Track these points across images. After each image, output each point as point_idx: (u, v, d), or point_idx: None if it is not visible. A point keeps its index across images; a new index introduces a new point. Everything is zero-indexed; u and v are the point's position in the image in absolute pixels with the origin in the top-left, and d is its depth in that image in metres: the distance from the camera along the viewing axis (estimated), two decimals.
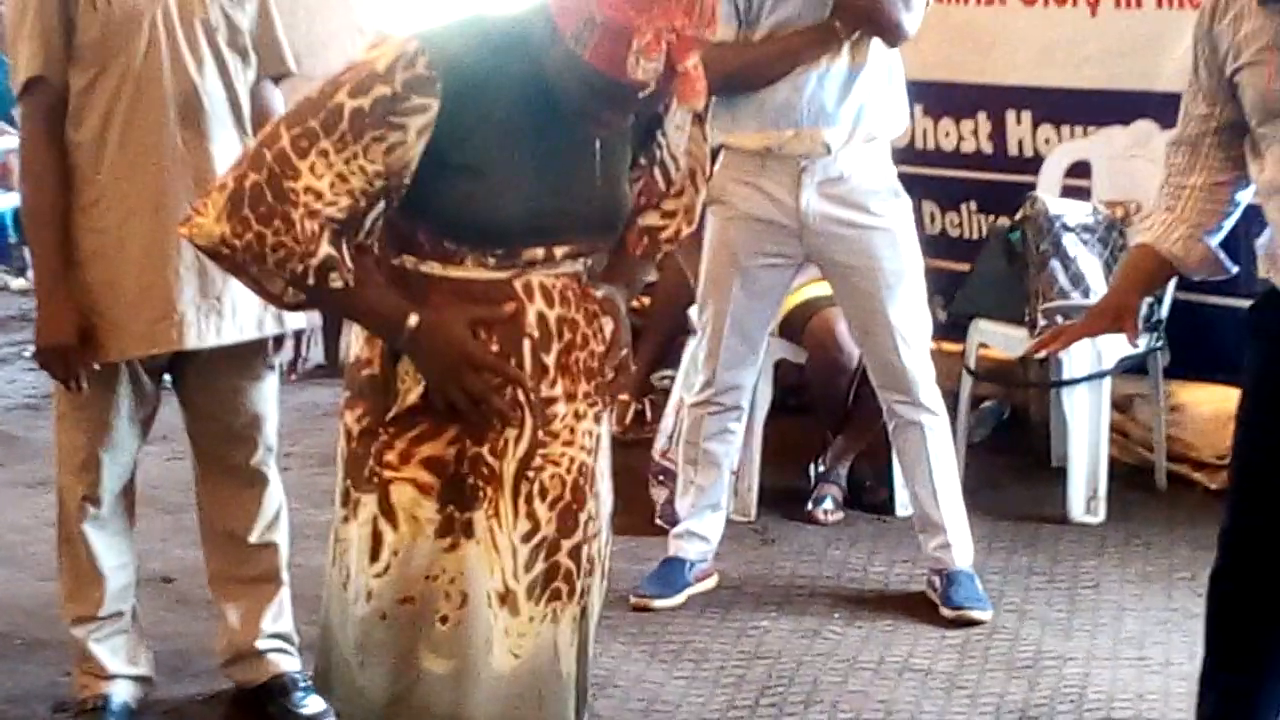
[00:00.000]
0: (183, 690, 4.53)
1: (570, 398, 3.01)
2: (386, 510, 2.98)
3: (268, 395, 4.32)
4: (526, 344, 2.95)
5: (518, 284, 2.94)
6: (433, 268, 2.95)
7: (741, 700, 4.47)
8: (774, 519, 5.72)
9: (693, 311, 5.29)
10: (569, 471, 3.02)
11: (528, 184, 2.89)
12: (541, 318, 2.96)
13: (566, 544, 3.03)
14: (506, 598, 3.00)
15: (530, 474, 2.99)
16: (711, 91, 4.61)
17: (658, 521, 5.48)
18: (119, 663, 4.31)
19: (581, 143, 2.89)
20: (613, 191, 3.01)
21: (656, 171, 3.13)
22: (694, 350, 5.38)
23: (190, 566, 4.73)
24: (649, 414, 6.25)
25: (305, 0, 8.40)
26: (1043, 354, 3.78)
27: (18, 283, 8.93)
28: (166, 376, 4.24)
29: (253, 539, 4.34)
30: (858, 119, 4.77)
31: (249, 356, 4.22)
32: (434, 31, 2.88)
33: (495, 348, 2.93)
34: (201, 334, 4.08)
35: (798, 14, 4.71)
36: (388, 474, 2.98)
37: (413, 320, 2.90)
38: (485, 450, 2.97)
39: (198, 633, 4.66)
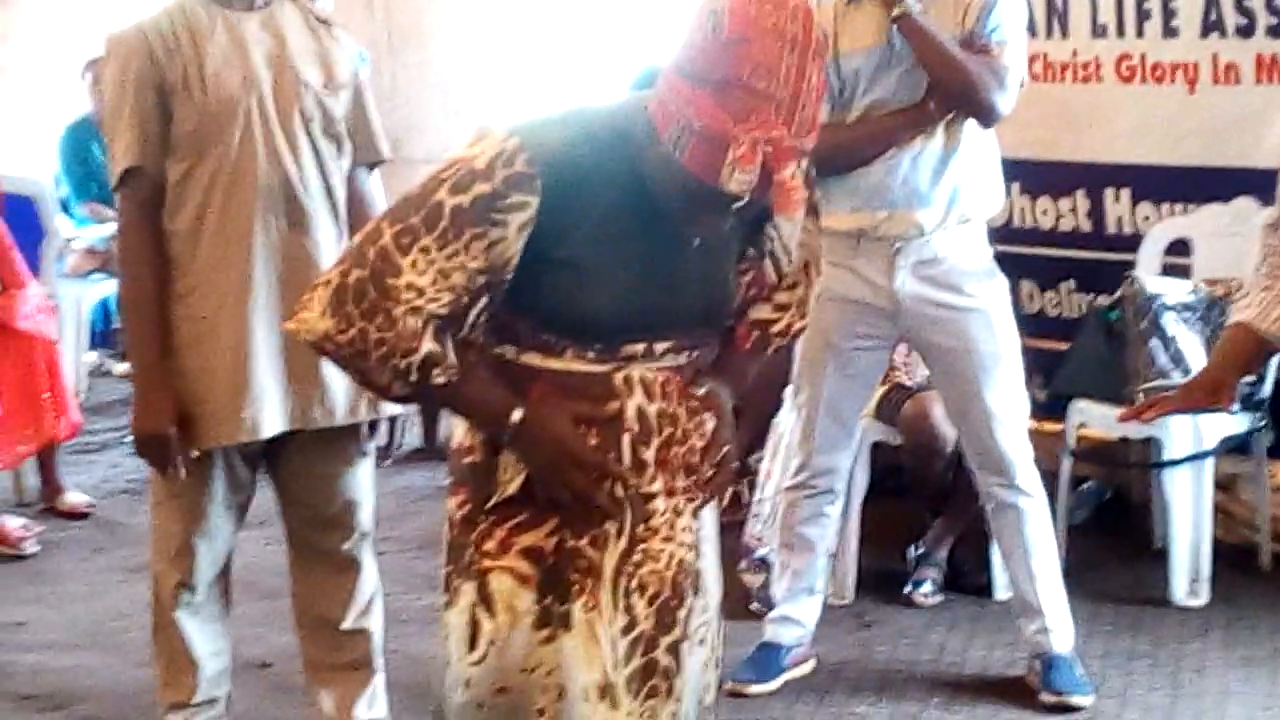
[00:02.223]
0: None
1: (670, 493, 2.99)
2: (485, 598, 2.98)
3: (362, 481, 4.33)
4: (626, 438, 2.94)
5: (618, 377, 2.93)
6: (533, 359, 2.95)
7: None
8: (872, 602, 5.70)
9: (789, 393, 5.29)
10: (668, 567, 3.00)
11: (627, 280, 2.89)
12: (641, 412, 2.94)
13: (665, 640, 3.01)
14: (606, 691, 2.97)
15: (630, 568, 2.97)
16: None
17: (753, 606, 5.47)
18: None
19: (682, 240, 2.89)
20: (715, 288, 3.00)
21: (767, 263, 3.10)
22: (787, 432, 5.37)
23: (288, 652, 4.75)
24: (745, 496, 6.24)
25: (402, 86, 8.55)
26: (1133, 422, 3.73)
27: (120, 368, 9.00)
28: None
29: (346, 625, 4.35)
30: (952, 200, 4.78)
31: (343, 442, 4.24)
32: (533, 127, 2.88)
33: (594, 441, 2.92)
34: (294, 420, 4.11)
35: (892, 95, 4.73)
36: (486, 562, 2.98)
37: (516, 415, 2.90)
38: (585, 543, 2.96)
39: (294, 718, 4.68)
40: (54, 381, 6.78)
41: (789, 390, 5.21)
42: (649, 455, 2.96)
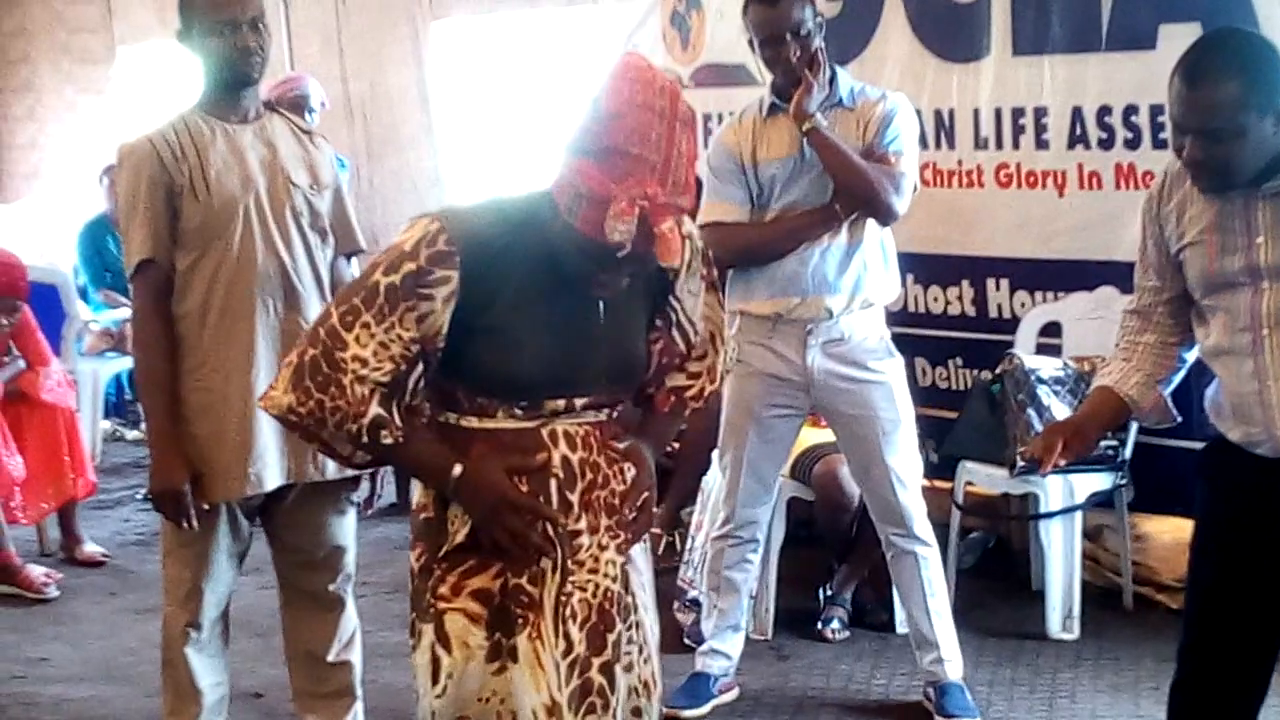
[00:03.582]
0: None
1: (593, 530, 2.99)
2: (442, 638, 2.97)
3: (348, 529, 4.33)
4: (553, 483, 2.95)
5: (544, 431, 2.95)
6: (471, 422, 2.96)
7: None
8: (788, 638, 5.68)
9: (715, 455, 5.29)
10: (594, 596, 3.00)
11: (543, 342, 2.90)
12: (566, 460, 2.96)
13: (597, 661, 3.00)
14: (553, 709, 2.96)
15: (565, 598, 2.97)
16: (728, 265, 4.72)
17: (685, 641, 5.46)
18: None
19: (588, 304, 2.91)
20: (622, 350, 3.02)
21: (675, 334, 3.11)
22: (715, 489, 5.38)
23: (278, 683, 4.72)
24: (679, 545, 6.24)
25: (378, 188, 8.56)
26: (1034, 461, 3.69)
27: (132, 434, 8.98)
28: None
29: (330, 658, 4.33)
30: (856, 287, 4.80)
31: (332, 494, 4.24)
32: (453, 212, 2.94)
33: (526, 487, 2.93)
34: (291, 475, 4.11)
35: (804, 197, 4.75)
36: (442, 605, 2.97)
37: (456, 470, 2.91)
38: (524, 580, 2.96)
39: None
40: (73, 446, 6.77)
41: (716, 453, 5.22)
42: (574, 498, 2.97)
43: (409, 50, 8.53)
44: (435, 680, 2.98)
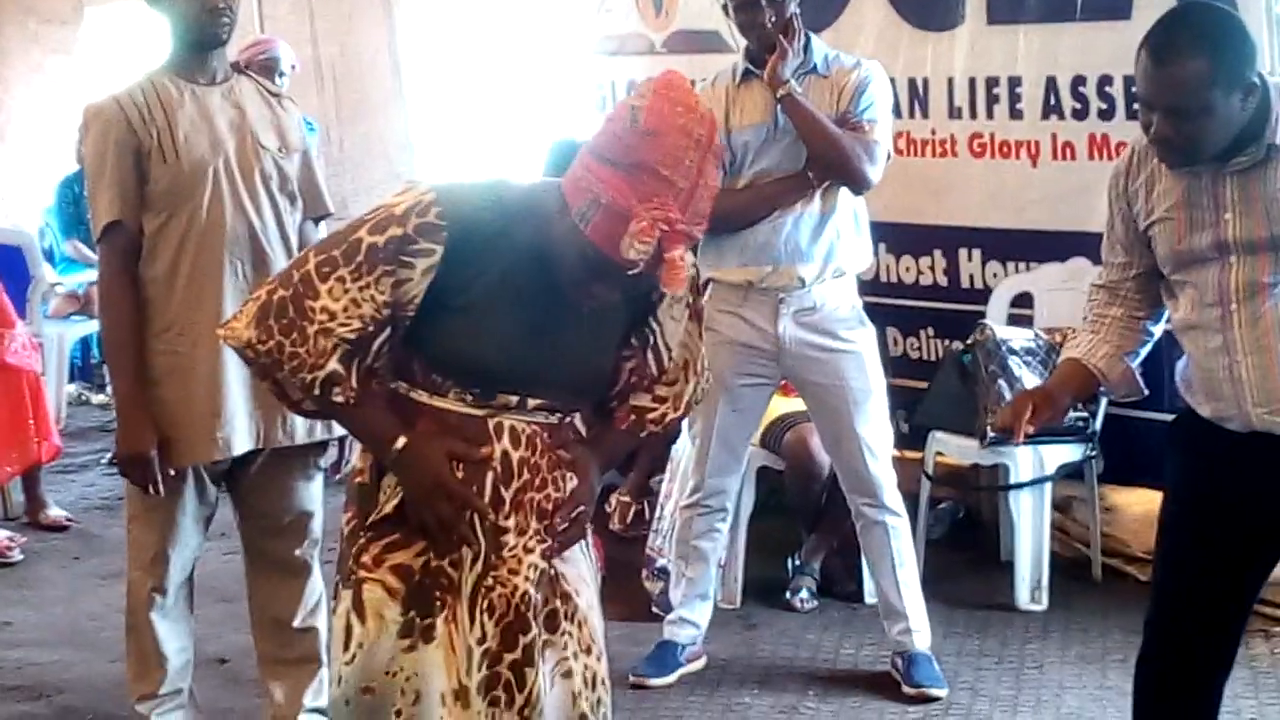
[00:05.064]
0: None
1: (521, 531, 2.96)
2: (358, 606, 2.96)
3: (315, 495, 4.32)
4: (490, 476, 2.93)
5: (491, 423, 2.93)
6: (420, 396, 2.95)
7: None
8: (756, 607, 5.69)
9: (685, 424, 5.29)
10: (513, 595, 2.96)
11: (512, 335, 2.88)
12: (506, 456, 2.93)
13: (508, 657, 2.95)
14: (460, 694, 2.95)
15: (483, 589, 2.95)
16: None
17: (653, 609, 5.47)
18: None
19: (569, 311, 2.87)
20: (589, 364, 3.00)
21: (649, 355, 3.07)
22: (684, 458, 5.38)
23: (242, 649, 4.71)
24: (648, 514, 6.24)
25: (349, 153, 8.53)
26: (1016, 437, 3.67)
27: (98, 398, 8.94)
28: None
29: (296, 624, 4.32)
30: (828, 256, 4.80)
31: (299, 459, 4.23)
32: (451, 188, 2.90)
33: (462, 475, 2.91)
34: (259, 440, 4.10)
35: (776, 164, 4.75)
36: (362, 574, 2.97)
37: (399, 443, 2.90)
38: (447, 564, 2.95)
39: (248, 708, 4.65)
40: (38, 410, 6.72)
41: (685, 422, 5.21)
42: (508, 495, 2.95)
43: (380, 14, 8.48)
44: (345, 647, 2.97)
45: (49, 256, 8.84)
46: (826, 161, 4.69)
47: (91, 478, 7.65)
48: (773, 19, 4.68)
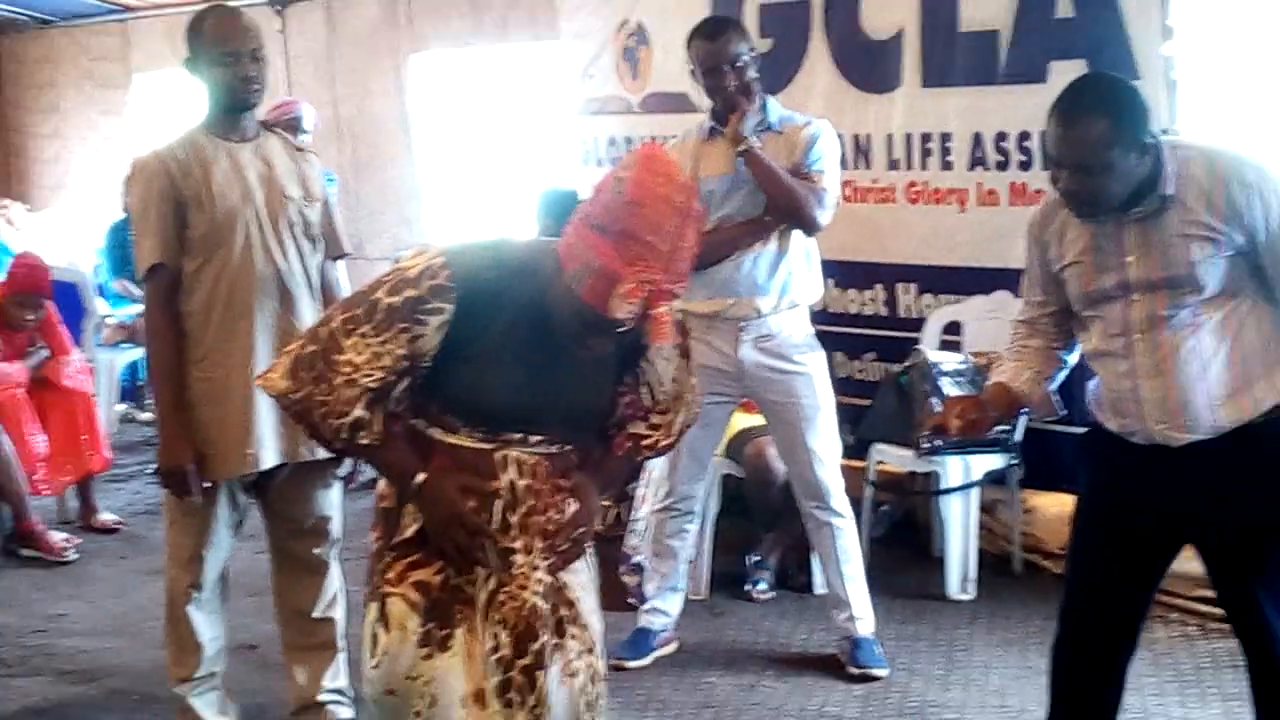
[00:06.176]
0: None
1: (527, 551, 2.94)
2: (383, 617, 2.96)
3: (333, 501, 4.31)
4: (498, 505, 2.91)
5: (498, 456, 2.91)
6: (435, 433, 2.93)
7: None
8: (721, 597, 5.68)
9: None
10: (523, 608, 2.94)
11: (515, 381, 2.86)
12: (513, 484, 2.92)
13: (520, 663, 2.93)
14: (479, 696, 2.93)
15: (496, 604, 2.94)
16: None
17: (630, 600, 5.45)
18: (212, 713, 4.28)
19: (568, 358, 2.85)
20: (585, 404, 2.98)
21: (643, 390, 3.06)
22: (656, 467, 5.36)
23: (270, 637, 4.69)
24: (624, 516, 6.22)
25: (364, 201, 8.52)
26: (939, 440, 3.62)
27: (143, 416, 8.90)
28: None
29: (316, 614, 4.31)
30: (784, 290, 4.80)
31: (319, 471, 4.22)
32: (459, 250, 2.88)
33: (473, 503, 2.90)
34: (285, 456, 4.09)
35: (739, 210, 4.75)
36: (387, 588, 2.96)
37: (419, 479, 2.89)
38: (464, 581, 2.95)
39: (274, 689, 4.62)
40: (90, 426, 6.73)
41: None
42: (514, 520, 2.93)
43: (392, 79, 8.49)
44: (372, 654, 2.97)
45: (101, 292, 8.81)
46: (782, 207, 4.69)
47: (137, 486, 7.61)
48: (735, 83, 4.69)
